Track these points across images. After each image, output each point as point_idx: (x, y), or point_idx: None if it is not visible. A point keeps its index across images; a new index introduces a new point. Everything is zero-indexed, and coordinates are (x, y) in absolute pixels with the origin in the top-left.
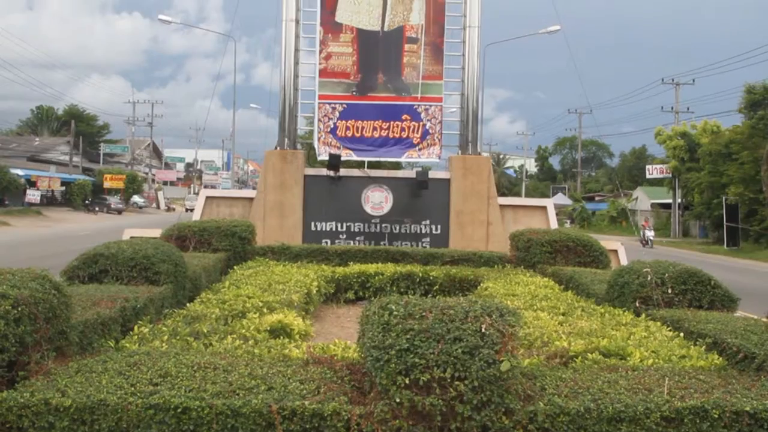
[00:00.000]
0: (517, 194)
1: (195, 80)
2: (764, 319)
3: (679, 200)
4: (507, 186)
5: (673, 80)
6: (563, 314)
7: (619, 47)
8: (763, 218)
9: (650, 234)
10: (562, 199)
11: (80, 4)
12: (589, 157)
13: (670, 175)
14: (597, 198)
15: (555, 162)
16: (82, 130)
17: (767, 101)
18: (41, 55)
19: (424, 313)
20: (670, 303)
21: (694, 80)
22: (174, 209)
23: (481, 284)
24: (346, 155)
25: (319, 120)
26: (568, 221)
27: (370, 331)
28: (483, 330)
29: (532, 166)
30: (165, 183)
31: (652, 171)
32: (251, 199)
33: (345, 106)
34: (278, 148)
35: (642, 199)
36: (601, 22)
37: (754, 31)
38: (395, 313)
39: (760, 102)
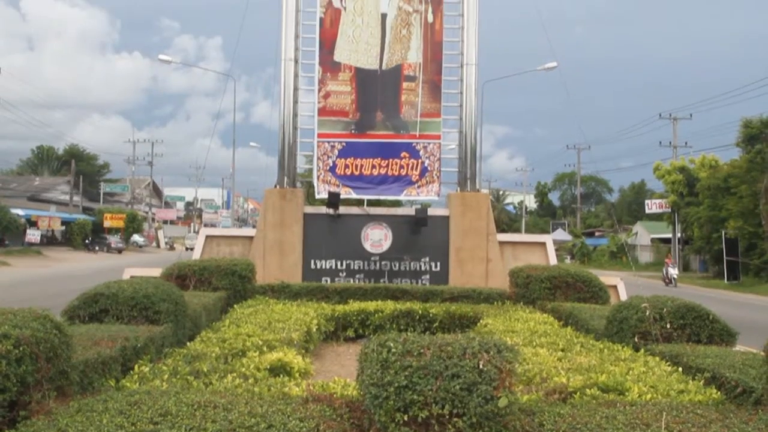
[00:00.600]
0: (517, 230)
1: (195, 119)
2: (761, 353)
3: (679, 235)
4: (507, 222)
5: (670, 115)
6: (562, 350)
7: (616, 82)
8: (762, 252)
9: (674, 272)
10: (562, 234)
11: (80, 45)
12: (589, 192)
13: (670, 210)
14: (597, 233)
15: (554, 198)
16: (82, 169)
17: (764, 135)
18: (42, 95)
19: (422, 350)
20: (668, 338)
21: (691, 115)
22: (174, 248)
23: (481, 321)
24: (346, 193)
25: (319, 158)
26: (569, 257)
27: (368, 368)
28: (481, 366)
29: (531, 202)
30: (165, 222)
31: (652, 206)
32: (251, 237)
33: (344, 144)
34: (278, 186)
35: (642, 234)
36: (598, 57)
37: (751, 65)
38: (393, 350)
39: (757, 136)
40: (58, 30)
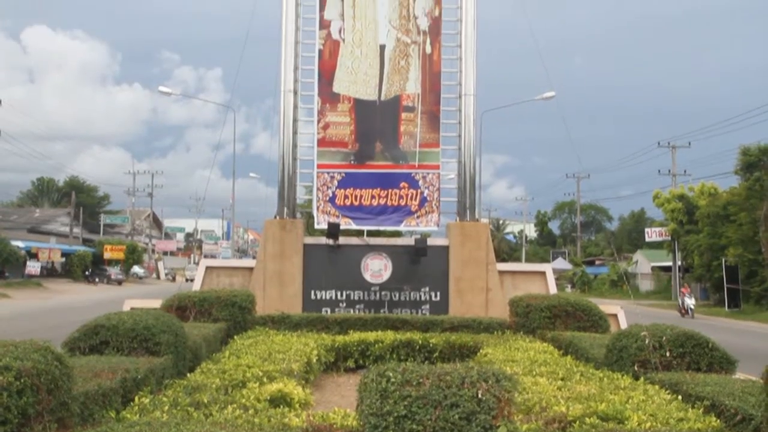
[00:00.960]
0: (518, 259)
1: (195, 150)
2: (760, 380)
3: (679, 263)
4: (507, 251)
5: (669, 143)
6: (562, 379)
7: (615, 111)
8: (763, 279)
9: (690, 302)
10: (562, 263)
11: (81, 77)
12: (589, 221)
13: (670, 238)
14: (597, 262)
15: (554, 227)
16: (82, 201)
17: (763, 163)
18: (42, 127)
19: (421, 380)
20: (668, 366)
21: (690, 143)
22: (176, 279)
23: (481, 350)
24: (345, 224)
25: (318, 189)
26: (569, 286)
27: (368, 398)
28: (479, 396)
29: (531, 231)
30: (165, 253)
31: (652, 234)
32: (251, 268)
33: (343, 175)
34: (277, 217)
35: (642, 263)
36: (597, 86)
37: (748, 94)
38: (393, 380)
39: (756, 163)
40: (59, 62)
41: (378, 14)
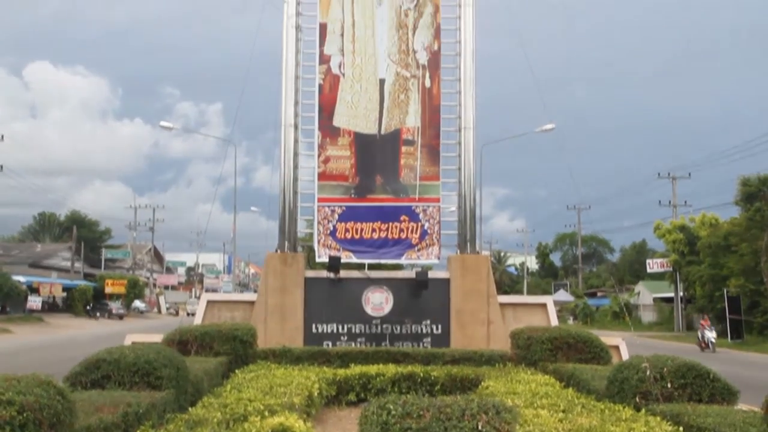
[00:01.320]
0: (519, 292)
1: (196, 184)
2: (761, 411)
3: (681, 294)
4: (508, 284)
5: (669, 174)
6: (563, 411)
7: (616, 142)
8: (765, 310)
9: (711, 335)
10: (564, 295)
11: (82, 112)
12: (590, 252)
13: (671, 269)
14: (599, 294)
15: (556, 258)
16: (83, 235)
17: (762, 193)
18: (44, 162)
19: (421, 412)
20: (669, 397)
21: (690, 174)
22: (179, 313)
23: (483, 383)
24: (346, 257)
25: (319, 222)
26: (571, 318)
27: (369, 431)
28: (480, 428)
29: (533, 264)
30: (166, 287)
31: (653, 265)
32: (252, 302)
33: (344, 208)
34: (278, 251)
35: (644, 294)
36: (597, 117)
37: (747, 125)
38: (393, 412)
39: (756, 194)
40: (61, 98)
41: (377, 49)
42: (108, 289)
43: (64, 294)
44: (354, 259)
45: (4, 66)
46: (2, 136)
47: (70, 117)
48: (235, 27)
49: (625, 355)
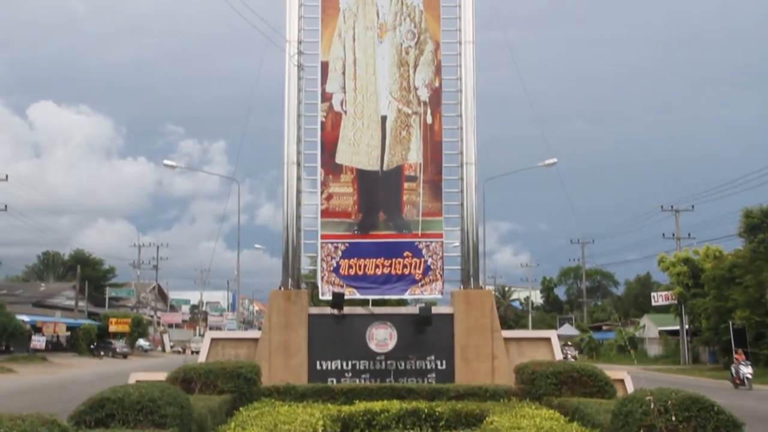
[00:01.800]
0: (524, 326)
1: (199, 222)
2: None
3: (687, 326)
4: (513, 318)
5: (672, 207)
6: None
7: (618, 175)
8: None
9: (747, 371)
10: (569, 329)
11: (86, 151)
12: (595, 286)
13: (676, 302)
14: (604, 327)
15: (560, 292)
16: (87, 274)
17: (765, 224)
18: (48, 201)
19: None
20: (674, 430)
21: (693, 206)
22: (184, 351)
23: (487, 418)
24: (350, 294)
25: (322, 259)
26: (577, 352)
27: None
28: None
29: (537, 298)
30: (170, 325)
31: (658, 298)
32: (256, 339)
33: (347, 245)
34: (282, 288)
35: (649, 327)
36: (599, 150)
37: (748, 156)
38: None
39: (759, 225)
40: (65, 137)
41: (379, 86)
42: (112, 328)
43: (68, 333)
44: (358, 296)
45: (8, 106)
46: (6, 176)
47: (74, 156)
48: (237, 65)
49: (631, 389)
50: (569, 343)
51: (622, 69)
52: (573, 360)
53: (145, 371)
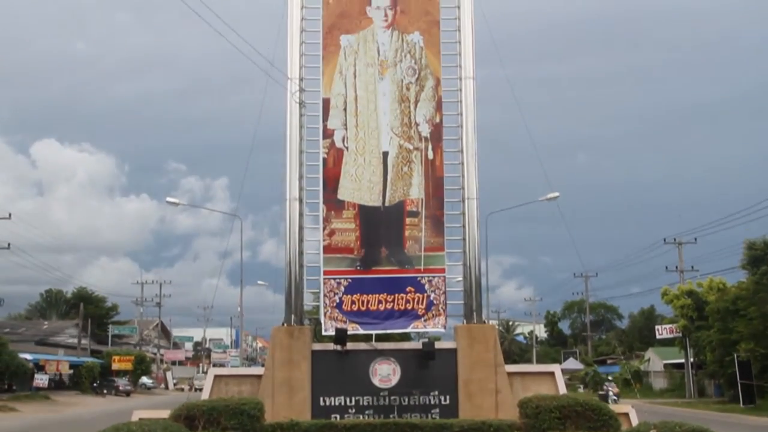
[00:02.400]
0: (529, 361)
1: (202, 259)
2: None
3: (692, 359)
4: (518, 353)
5: (675, 240)
6: None
7: (621, 208)
8: None
9: None
10: (573, 363)
11: (89, 189)
12: (599, 320)
13: (680, 335)
14: (609, 361)
15: (564, 326)
16: (90, 312)
17: None
18: (50, 239)
19: None
20: None
21: (696, 239)
22: (192, 388)
23: None
24: (353, 329)
25: (325, 295)
26: (582, 386)
27: None
28: None
29: (541, 332)
30: (173, 363)
31: (662, 331)
32: (259, 376)
33: (350, 280)
34: (285, 324)
35: (654, 360)
36: (601, 183)
37: (750, 187)
38: None
39: (762, 257)
40: (67, 175)
41: (380, 122)
42: (115, 366)
43: (71, 371)
44: (360, 331)
45: (11, 145)
46: (9, 215)
47: (77, 194)
48: (239, 103)
49: (635, 423)
50: (610, 378)
51: (624, 104)
52: (615, 398)
53: (148, 409)
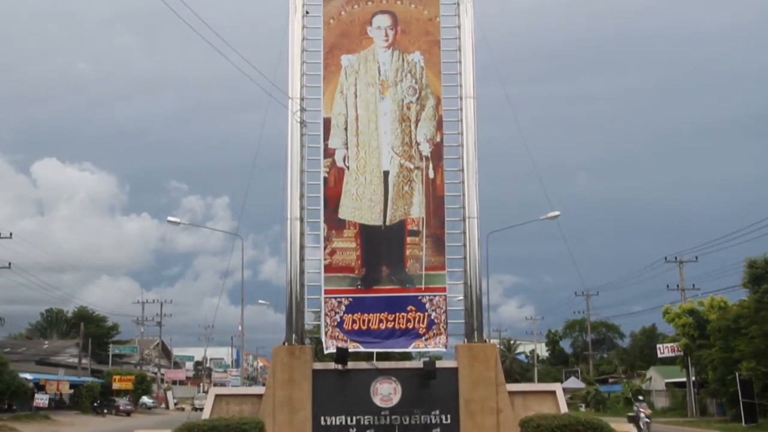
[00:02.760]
0: (530, 380)
1: (203, 278)
2: None
3: (693, 378)
4: (519, 372)
5: (676, 258)
6: None
7: (622, 227)
8: None
9: None
10: (575, 382)
11: (90, 208)
12: (600, 338)
13: (682, 354)
14: (611, 380)
15: (566, 345)
16: (91, 331)
17: None
18: (51, 258)
19: None
20: None
21: (696, 258)
22: (184, 408)
23: None
24: (354, 348)
25: (326, 314)
26: (583, 405)
27: None
28: None
29: (543, 351)
30: (174, 382)
31: (664, 350)
32: (260, 395)
33: (351, 299)
34: (286, 343)
35: (656, 379)
36: (602, 203)
37: (750, 206)
38: None
39: (763, 276)
40: (68, 194)
41: (381, 142)
42: (115, 385)
43: (71, 391)
44: (362, 350)
45: (12, 164)
46: (11, 234)
47: (78, 213)
48: (240, 122)
49: None
50: (641, 397)
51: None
52: (647, 420)
53: (148, 429)
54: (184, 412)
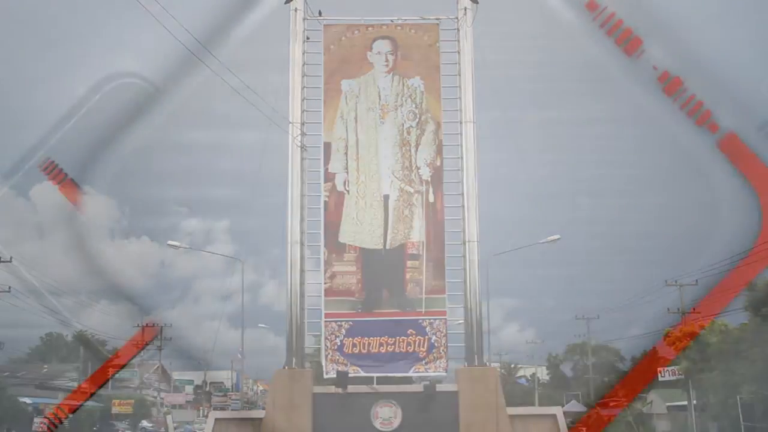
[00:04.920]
0: (531, 403)
1: (203, 301)
2: None
3: (695, 402)
4: (520, 395)
5: (676, 281)
6: None
7: (622, 250)
8: None
9: None
10: (576, 406)
11: (90, 231)
12: (601, 362)
13: (683, 377)
14: (612, 403)
15: (567, 369)
16: (90, 355)
17: None
18: (51, 282)
19: None
20: None
21: (697, 281)
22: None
23: None
24: (354, 372)
25: (326, 338)
26: (584, 429)
27: None
28: None
29: (544, 374)
30: (174, 406)
31: (664, 373)
32: (260, 419)
33: (351, 323)
34: (286, 367)
35: (657, 403)
36: (602, 226)
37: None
38: None
39: (764, 298)
40: (68, 218)
41: (381, 166)
42: (115, 410)
43: (70, 415)
44: (362, 374)
45: (12, 188)
46: (11, 258)
47: (77, 236)
48: (241, 146)
49: None
50: None
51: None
52: None
53: None
54: None
